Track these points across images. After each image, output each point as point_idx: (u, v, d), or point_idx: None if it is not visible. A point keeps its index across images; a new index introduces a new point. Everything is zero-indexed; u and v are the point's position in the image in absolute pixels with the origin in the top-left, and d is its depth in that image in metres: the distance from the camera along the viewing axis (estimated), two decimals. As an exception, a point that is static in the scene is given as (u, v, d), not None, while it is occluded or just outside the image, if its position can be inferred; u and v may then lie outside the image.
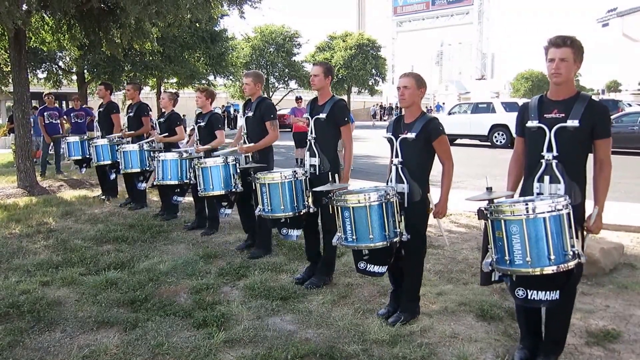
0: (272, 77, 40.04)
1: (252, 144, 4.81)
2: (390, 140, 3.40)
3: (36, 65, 20.07)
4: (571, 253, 2.50)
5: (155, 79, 24.89)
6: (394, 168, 3.35)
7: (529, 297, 2.61)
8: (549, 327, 2.86)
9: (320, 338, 3.21)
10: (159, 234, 5.80)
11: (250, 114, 4.87)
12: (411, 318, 3.40)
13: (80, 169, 8.50)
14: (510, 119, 16.94)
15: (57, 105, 12.37)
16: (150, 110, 7.43)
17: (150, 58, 19.92)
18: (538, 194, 2.76)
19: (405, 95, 3.26)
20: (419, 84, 3.28)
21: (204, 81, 27.40)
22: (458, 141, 19.12)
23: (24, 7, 7.64)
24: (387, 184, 3.42)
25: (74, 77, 21.78)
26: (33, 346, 3.17)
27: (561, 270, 2.47)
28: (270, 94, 40.21)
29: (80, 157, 8.07)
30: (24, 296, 3.90)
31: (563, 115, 2.68)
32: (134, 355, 3.02)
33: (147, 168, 6.86)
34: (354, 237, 3.18)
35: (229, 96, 39.13)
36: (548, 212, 2.48)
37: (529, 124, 2.81)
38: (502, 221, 2.57)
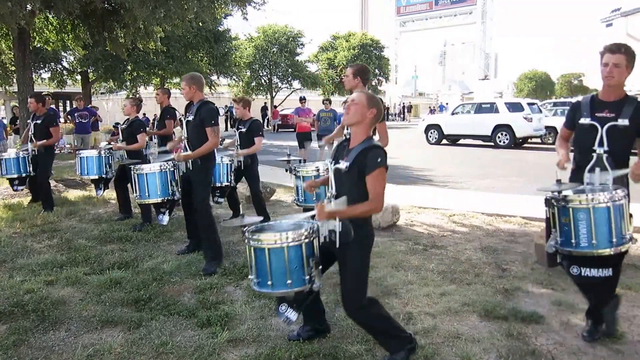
0: (275, 77, 40.06)
1: (189, 152, 4.65)
2: (329, 169, 2.87)
3: (40, 65, 20.14)
4: (628, 237, 2.86)
5: (158, 79, 24.93)
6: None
7: (582, 274, 2.94)
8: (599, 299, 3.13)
9: (323, 338, 3.21)
10: (162, 234, 5.82)
11: (190, 117, 4.69)
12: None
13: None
14: (513, 119, 16.93)
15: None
16: (177, 111, 7.20)
17: (154, 57, 19.97)
18: (588, 183, 3.08)
19: (351, 110, 2.76)
20: (371, 103, 2.75)
21: (207, 81, 27.44)
22: (461, 141, 19.11)
23: (28, 7, 7.67)
24: (311, 219, 2.86)
25: (78, 77, 21.86)
26: (37, 345, 3.18)
27: (619, 251, 2.84)
28: (274, 93, 40.24)
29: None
30: (29, 295, 3.92)
31: (614, 115, 3.03)
32: (138, 355, 3.03)
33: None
34: (269, 282, 2.71)
35: (232, 96, 39.18)
36: (612, 201, 2.80)
37: (582, 121, 3.14)
38: (570, 209, 2.86)
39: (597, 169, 3.05)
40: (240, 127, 6.11)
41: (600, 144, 3.04)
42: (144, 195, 5.25)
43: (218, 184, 6.01)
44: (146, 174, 5.22)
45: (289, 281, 2.71)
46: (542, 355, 2.97)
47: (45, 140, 7.00)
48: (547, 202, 2.99)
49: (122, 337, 3.25)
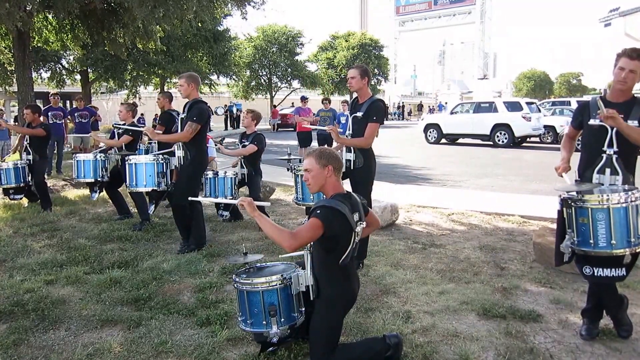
0: (274, 76, 40.04)
1: (159, 131, 5.22)
2: None
3: (40, 65, 20.14)
4: None
5: (158, 78, 24.94)
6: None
7: (595, 274, 2.95)
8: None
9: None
10: (162, 233, 5.82)
11: (183, 115, 5.03)
12: None
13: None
14: (512, 119, 16.95)
15: (62, 106, 12.33)
16: (178, 113, 7.07)
17: (154, 57, 19.98)
18: (597, 184, 3.09)
19: (309, 181, 2.76)
20: (322, 161, 2.71)
21: (206, 81, 27.43)
22: (460, 140, 19.13)
23: (27, 7, 7.68)
24: (296, 268, 2.96)
25: (78, 77, 21.88)
26: (37, 344, 3.19)
27: (635, 251, 2.84)
28: (273, 93, 40.21)
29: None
30: (29, 295, 3.93)
31: (622, 116, 3.00)
32: (137, 353, 3.04)
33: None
34: (249, 321, 2.87)
35: (231, 95, 39.16)
36: (631, 201, 2.82)
37: (592, 122, 3.14)
38: (589, 209, 2.85)
39: (608, 170, 3.07)
40: (243, 140, 6.25)
41: (610, 145, 3.06)
42: (132, 184, 5.59)
43: (222, 198, 6.07)
44: (135, 164, 5.54)
45: (251, 320, 2.87)
46: (540, 354, 2.98)
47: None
48: (564, 202, 2.97)
49: (122, 336, 3.26)
